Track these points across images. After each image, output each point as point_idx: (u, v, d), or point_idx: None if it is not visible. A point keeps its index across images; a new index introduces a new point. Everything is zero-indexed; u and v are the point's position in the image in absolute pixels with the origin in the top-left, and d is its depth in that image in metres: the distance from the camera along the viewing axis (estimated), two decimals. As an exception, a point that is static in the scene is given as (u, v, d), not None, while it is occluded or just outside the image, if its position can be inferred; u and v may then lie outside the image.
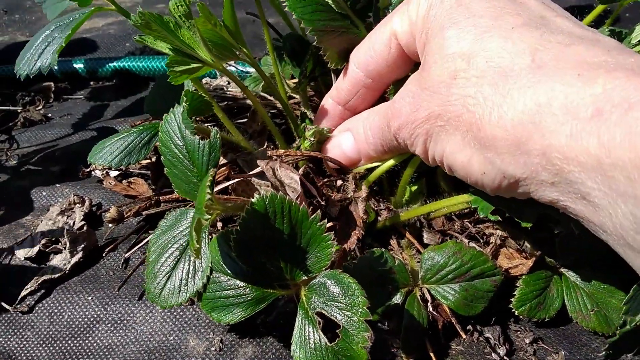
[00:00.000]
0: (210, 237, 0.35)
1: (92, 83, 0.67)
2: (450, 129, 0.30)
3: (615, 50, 0.26)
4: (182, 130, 0.35)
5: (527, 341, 0.38)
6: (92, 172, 0.52)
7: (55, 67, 0.41)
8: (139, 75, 0.66)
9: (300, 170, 0.41)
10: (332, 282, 0.33)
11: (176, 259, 0.35)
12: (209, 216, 0.30)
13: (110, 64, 0.65)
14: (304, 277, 0.34)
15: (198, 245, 0.30)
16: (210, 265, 0.34)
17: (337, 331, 0.32)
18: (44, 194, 0.50)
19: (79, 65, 0.65)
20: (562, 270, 0.39)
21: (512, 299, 0.36)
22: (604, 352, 0.30)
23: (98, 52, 0.70)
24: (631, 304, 0.30)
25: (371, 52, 0.36)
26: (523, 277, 0.37)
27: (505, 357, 0.36)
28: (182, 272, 0.34)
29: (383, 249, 0.37)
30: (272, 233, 0.33)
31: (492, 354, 0.37)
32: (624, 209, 0.23)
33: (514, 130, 0.26)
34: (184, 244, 0.35)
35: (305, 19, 0.39)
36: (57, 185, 0.51)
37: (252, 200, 0.32)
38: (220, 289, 0.34)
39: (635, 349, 0.31)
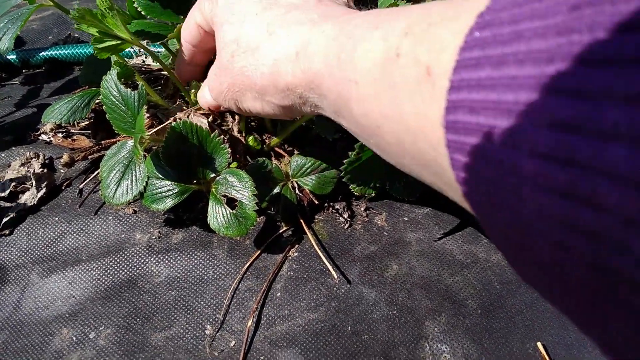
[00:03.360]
0: (144, 157, 0.52)
1: (24, 71, 0.79)
2: (243, 91, 0.41)
3: (311, 10, 0.37)
4: (117, 85, 0.51)
5: (362, 209, 0.58)
6: (40, 137, 0.66)
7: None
8: (65, 61, 0.79)
9: (210, 118, 0.59)
10: (230, 175, 0.51)
11: (122, 174, 0.51)
12: (148, 134, 0.47)
13: (39, 54, 0.78)
14: (212, 175, 0.51)
15: (141, 154, 0.47)
16: (147, 174, 0.51)
17: (235, 203, 0.50)
18: (3, 155, 0.64)
19: (12, 57, 0.77)
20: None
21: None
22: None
23: (26, 46, 0.82)
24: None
25: (187, 32, 0.50)
26: (356, 168, 0.57)
27: (348, 219, 0.56)
28: (128, 180, 0.51)
29: (265, 158, 0.56)
30: (187, 146, 0.50)
31: (340, 218, 0.57)
32: (325, 103, 0.34)
33: (270, 79, 0.37)
34: (126, 163, 0.52)
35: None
36: (13, 148, 0.64)
37: (172, 124, 0.49)
38: (155, 188, 0.51)
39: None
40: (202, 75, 0.57)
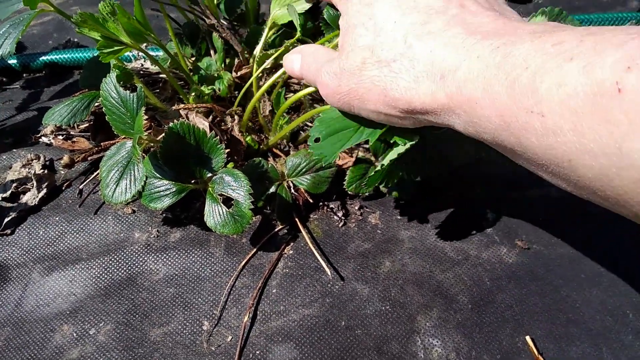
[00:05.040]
0: (143, 157, 0.53)
1: (25, 75, 0.81)
2: (365, 100, 0.40)
3: (453, 20, 0.36)
4: (117, 87, 0.52)
5: (356, 208, 0.59)
6: (41, 139, 0.67)
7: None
8: (65, 66, 0.81)
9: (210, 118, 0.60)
10: (227, 175, 0.52)
11: (121, 173, 0.53)
12: (146, 134, 0.48)
13: (39, 58, 0.79)
14: (209, 175, 0.52)
15: (139, 154, 0.48)
16: (145, 174, 0.52)
17: (231, 202, 0.51)
18: (4, 157, 0.65)
19: (12, 61, 0.79)
20: (376, 163, 0.61)
21: (344, 182, 0.58)
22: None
23: (27, 51, 0.83)
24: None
25: None
26: (350, 167, 0.58)
27: (342, 217, 0.58)
28: (127, 180, 0.52)
29: (261, 158, 0.57)
30: (185, 146, 0.51)
31: (335, 216, 0.58)
32: (473, 128, 0.34)
33: (407, 95, 0.37)
34: (125, 163, 0.53)
35: None
36: (14, 150, 0.66)
37: (170, 125, 0.50)
38: (153, 187, 0.52)
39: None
40: None
